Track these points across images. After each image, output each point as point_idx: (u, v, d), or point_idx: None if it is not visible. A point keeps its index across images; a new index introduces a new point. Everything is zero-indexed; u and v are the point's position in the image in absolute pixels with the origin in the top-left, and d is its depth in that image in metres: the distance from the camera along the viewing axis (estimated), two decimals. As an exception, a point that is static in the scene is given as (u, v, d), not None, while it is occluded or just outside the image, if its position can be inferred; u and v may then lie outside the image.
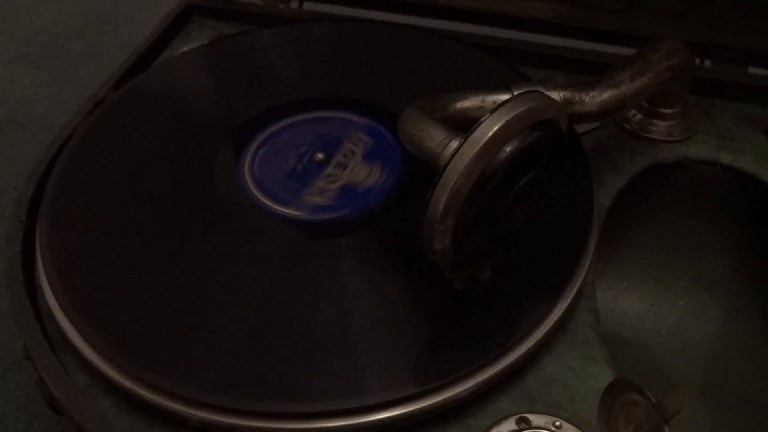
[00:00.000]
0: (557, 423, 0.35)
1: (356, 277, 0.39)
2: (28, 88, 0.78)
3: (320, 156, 0.46)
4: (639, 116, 0.52)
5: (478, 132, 0.29)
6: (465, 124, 0.40)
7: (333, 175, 0.45)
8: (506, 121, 0.29)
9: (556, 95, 0.42)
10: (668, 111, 0.52)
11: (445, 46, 0.57)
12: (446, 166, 0.30)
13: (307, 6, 0.65)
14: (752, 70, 0.56)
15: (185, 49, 0.60)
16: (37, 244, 0.42)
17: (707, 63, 0.57)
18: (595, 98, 0.43)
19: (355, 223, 0.43)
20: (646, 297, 0.55)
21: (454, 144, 0.33)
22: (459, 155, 0.29)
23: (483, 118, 0.29)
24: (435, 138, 0.34)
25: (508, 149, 0.30)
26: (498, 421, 0.35)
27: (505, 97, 0.42)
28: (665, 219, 0.53)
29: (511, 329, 0.36)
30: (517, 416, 0.35)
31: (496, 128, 0.29)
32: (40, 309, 0.40)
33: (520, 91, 0.40)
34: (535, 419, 0.35)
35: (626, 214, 0.50)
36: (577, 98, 0.43)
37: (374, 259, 0.40)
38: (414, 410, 0.34)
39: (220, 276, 0.40)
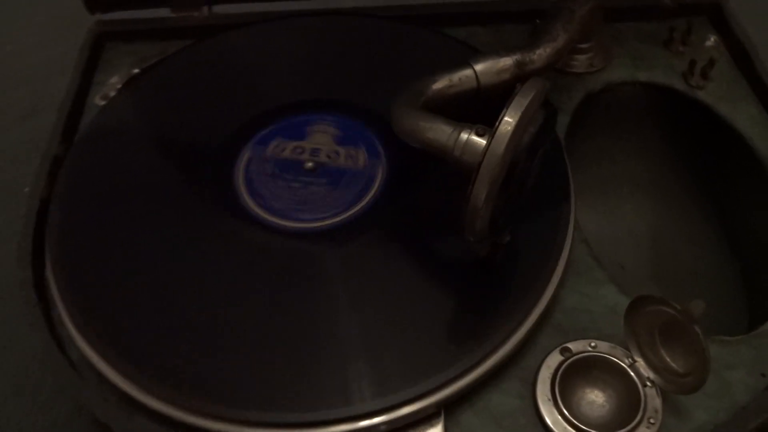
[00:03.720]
0: (593, 344, 0.41)
1: (402, 269, 0.43)
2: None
3: (310, 165, 0.48)
4: (562, 55, 0.58)
5: (501, 128, 0.33)
6: (445, 103, 0.44)
7: (323, 181, 0.48)
8: (522, 112, 0.33)
9: (510, 59, 0.47)
10: (585, 45, 0.58)
11: (368, 26, 0.60)
12: (481, 163, 0.33)
13: (218, 9, 0.64)
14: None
15: (112, 80, 0.58)
16: (53, 290, 0.43)
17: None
18: (542, 55, 0.48)
19: (354, 227, 0.45)
20: (600, 208, 0.63)
21: (464, 136, 0.37)
22: (491, 152, 0.33)
23: (502, 114, 0.33)
24: (443, 131, 0.38)
25: (526, 136, 0.34)
26: (545, 357, 0.41)
27: (467, 71, 0.46)
28: (602, 140, 0.61)
29: (534, 282, 0.42)
30: (560, 348, 0.41)
31: (516, 121, 0.33)
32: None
33: (512, 64, 0.46)
34: (574, 346, 0.41)
35: (574, 145, 0.57)
36: (528, 59, 0.47)
37: (410, 254, 0.43)
38: (482, 373, 0.39)
39: (222, 292, 0.42)
